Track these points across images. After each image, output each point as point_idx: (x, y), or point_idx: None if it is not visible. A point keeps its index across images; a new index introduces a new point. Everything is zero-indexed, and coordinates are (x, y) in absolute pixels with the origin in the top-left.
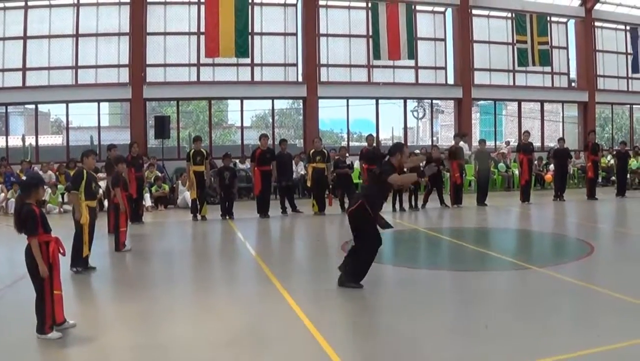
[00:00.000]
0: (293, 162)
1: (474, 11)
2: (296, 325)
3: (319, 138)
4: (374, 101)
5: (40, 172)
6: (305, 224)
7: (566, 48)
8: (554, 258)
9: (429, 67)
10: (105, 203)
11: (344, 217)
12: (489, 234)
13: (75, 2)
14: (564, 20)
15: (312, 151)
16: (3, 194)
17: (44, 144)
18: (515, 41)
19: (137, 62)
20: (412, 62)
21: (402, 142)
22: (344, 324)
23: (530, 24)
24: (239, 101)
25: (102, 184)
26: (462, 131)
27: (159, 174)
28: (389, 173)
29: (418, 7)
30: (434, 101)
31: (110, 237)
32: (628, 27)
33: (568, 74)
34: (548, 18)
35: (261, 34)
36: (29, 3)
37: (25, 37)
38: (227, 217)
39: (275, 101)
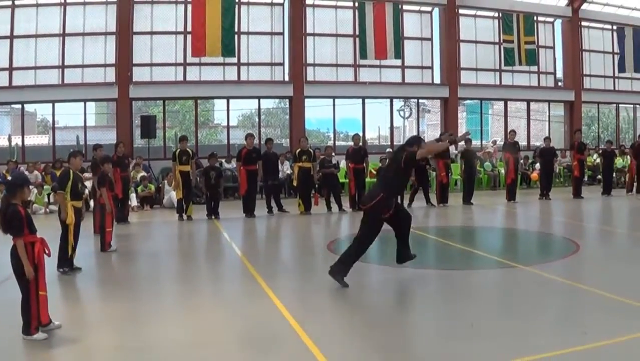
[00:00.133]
0: (279, 161)
1: (461, 11)
2: (282, 325)
3: (305, 137)
4: (360, 101)
5: (26, 173)
6: (291, 224)
7: (553, 48)
8: (540, 257)
9: (416, 66)
10: (92, 203)
11: (330, 216)
12: (475, 233)
13: (62, 1)
14: (551, 20)
15: (298, 151)
16: None
17: (30, 144)
18: (501, 41)
19: (124, 61)
20: (398, 62)
21: (417, 135)
22: (331, 324)
23: (517, 23)
24: (225, 101)
25: (88, 184)
26: (448, 130)
27: (145, 174)
28: (415, 152)
29: (405, 7)
30: (421, 101)
31: (96, 237)
32: (615, 27)
33: (554, 73)
34: (535, 18)
35: (248, 33)
36: (16, 2)
37: (12, 37)
38: (213, 217)
39: (261, 100)
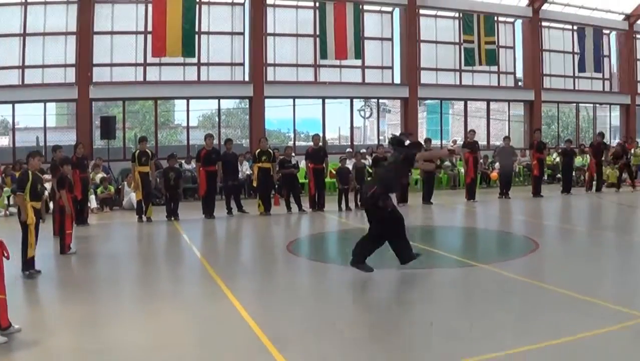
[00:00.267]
0: (238, 162)
1: (422, 11)
2: (241, 326)
3: (265, 138)
4: (320, 101)
5: None
6: (251, 225)
7: (513, 48)
8: (500, 255)
9: (376, 66)
10: (51, 205)
11: (290, 217)
12: (435, 232)
13: (23, 1)
14: (511, 20)
15: (258, 151)
16: None
17: None
18: (462, 41)
19: (84, 61)
20: (359, 62)
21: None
22: (289, 324)
23: (478, 23)
24: (185, 101)
25: (48, 185)
26: (408, 130)
27: (105, 175)
28: (415, 153)
29: (365, 7)
30: (381, 100)
31: (56, 240)
32: (575, 27)
33: (514, 73)
34: (495, 18)
35: (208, 33)
36: None
37: None
38: (173, 218)
39: (221, 100)
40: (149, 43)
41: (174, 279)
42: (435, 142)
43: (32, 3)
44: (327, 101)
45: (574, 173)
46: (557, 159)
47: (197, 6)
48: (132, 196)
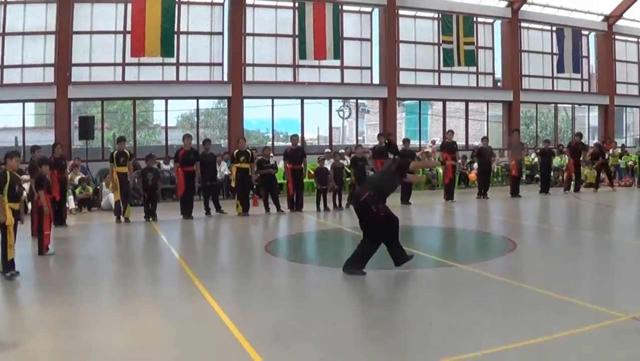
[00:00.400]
0: (216, 162)
1: (401, 11)
2: (219, 326)
3: (244, 138)
4: (299, 101)
5: None
6: (229, 225)
7: (492, 48)
8: (478, 255)
9: (355, 67)
10: (29, 205)
11: (268, 217)
12: (413, 232)
13: (2, 0)
14: (490, 21)
15: (236, 151)
16: None
17: None
18: (441, 41)
19: (63, 61)
20: (337, 62)
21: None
22: (267, 324)
23: (457, 24)
24: (164, 101)
25: (26, 186)
26: (387, 130)
27: (83, 176)
28: (409, 162)
29: (345, 7)
30: (360, 101)
31: (34, 240)
32: (554, 28)
33: (493, 74)
34: (474, 19)
35: (187, 33)
36: None
37: None
38: (151, 219)
39: (200, 100)
40: (128, 43)
41: (152, 280)
42: (414, 142)
43: (12, 2)
44: (306, 101)
45: (552, 173)
46: (536, 160)
47: (177, 6)
48: (110, 197)
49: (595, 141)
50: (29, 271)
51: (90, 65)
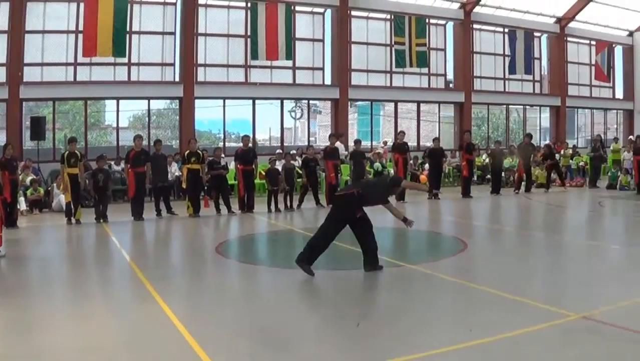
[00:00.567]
0: (167, 163)
1: (353, 12)
2: (169, 329)
3: (195, 139)
4: (251, 102)
5: None
6: (180, 227)
7: (444, 50)
8: (429, 256)
9: (307, 67)
10: None
11: (219, 218)
12: None
13: None
14: (443, 22)
15: (187, 152)
16: None
17: None
18: (393, 42)
19: (15, 61)
20: (289, 63)
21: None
22: (217, 326)
23: (409, 25)
24: (115, 101)
25: None
26: (338, 131)
27: (35, 177)
28: (402, 180)
29: (297, 8)
30: (312, 102)
31: None
32: (506, 30)
33: (445, 75)
34: (427, 20)
35: (139, 33)
36: None
37: None
38: (102, 220)
39: (152, 101)
40: (80, 42)
41: (103, 282)
42: (366, 143)
43: None
44: (257, 101)
45: (503, 174)
46: (487, 160)
47: (129, 5)
48: (61, 198)
49: (547, 142)
50: None
51: (42, 65)
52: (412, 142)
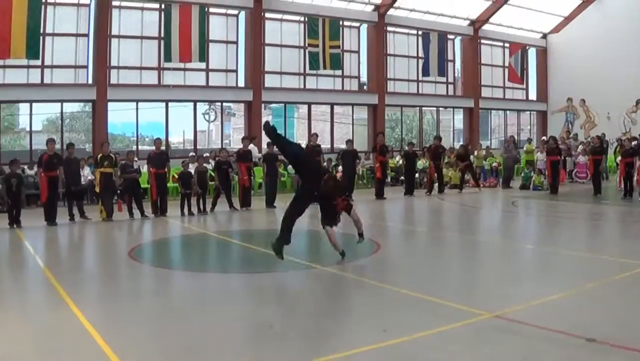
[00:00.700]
0: (80, 167)
1: (267, 14)
2: (83, 335)
3: (107, 142)
4: (164, 104)
5: None
6: (93, 231)
7: (358, 52)
8: (341, 257)
9: (221, 69)
10: None
11: (132, 223)
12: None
13: None
14: (357, 24)
15: (99, 156)
16: None
17: None
18: (307, 45)
19: None
20: (203, 65)
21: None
22: (130, 330)
23: (323, 28)
24: (28, 105)
25: None
26: (252, 133)
27: None
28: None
29: (211, 10)
30: (226, 104)
31: None
32: (420, 32)
33: (359, 77)
34: (341, 22)
35: (53, 34)
36: None
37: None
38: (15, 226)
39: (65, 104)
40: None
41: (16, 289)
42: None
43: None
44: (171, 104)
45: (416, 175)
46: (400, 162)
47: (43, 7)
48: None
49: (461, 143)
50: None
51: None
52: (325, 145)
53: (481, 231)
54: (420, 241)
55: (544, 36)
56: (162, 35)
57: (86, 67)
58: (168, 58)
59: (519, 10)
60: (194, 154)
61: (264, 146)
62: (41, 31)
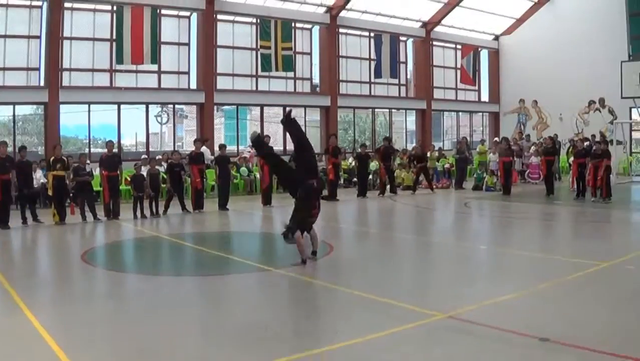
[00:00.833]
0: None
1: (219, 16)
2: (36, 340)
3: (60, 145)
4: (116, 106)
5: None
6: (46, 235)
7: (310, 54)
8: (295, 259)
9: (173, 71)
10: None
11: (85, 226)
12: (231, 238)
13: None
14: (309, 26)
15: (52, 159)
16: None
17: None
18: (259, 46)
19: None
20: (155, 67)
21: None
22: (82, 333)
23: (275, 29)
24: None
25: None
26: (204, 135)
27: None
28: None
29: (163, 11)
30: (178, 106)
31: None
32: (372, 34)
33: (311, 79)
34: (293, 24)
35: (5, 36)
36: None
37: None
38: None
39: (17, 106)
40: None
41: None
42: (232, 147)
43: None
44: (123, 106)
45: (369, 177)
46: (353, 164)
47: None
48: None
49: (414, 145)
50: None
51: None
52: (278, 147)
53: (434, 232)
54: (373, 243)
55: (496, 38)
56: (114, 37)
57: (38, 69)
58: (120, 60)
59: (471, 12)
60: (146, 156)
61: (216, 148)
62: None
